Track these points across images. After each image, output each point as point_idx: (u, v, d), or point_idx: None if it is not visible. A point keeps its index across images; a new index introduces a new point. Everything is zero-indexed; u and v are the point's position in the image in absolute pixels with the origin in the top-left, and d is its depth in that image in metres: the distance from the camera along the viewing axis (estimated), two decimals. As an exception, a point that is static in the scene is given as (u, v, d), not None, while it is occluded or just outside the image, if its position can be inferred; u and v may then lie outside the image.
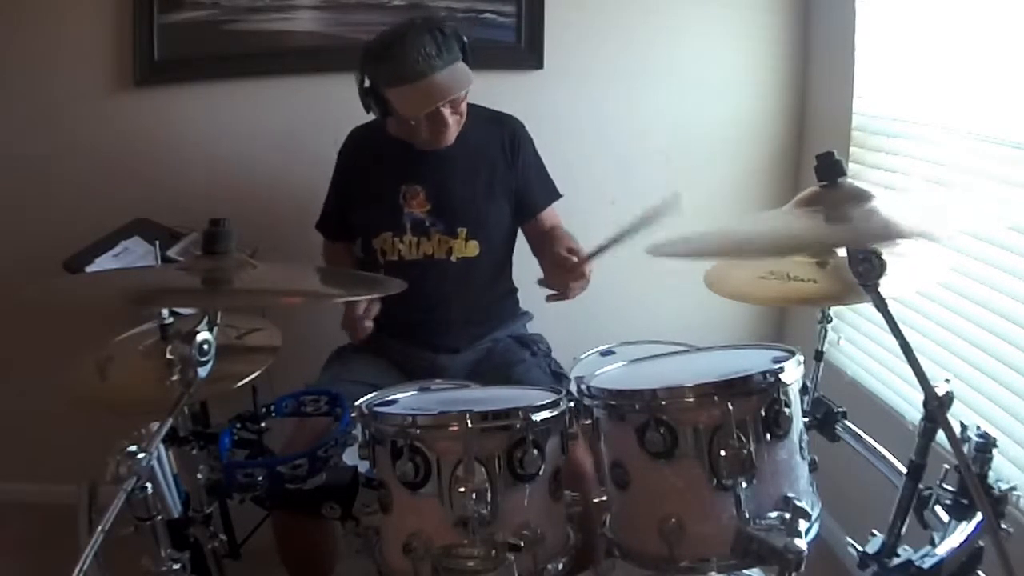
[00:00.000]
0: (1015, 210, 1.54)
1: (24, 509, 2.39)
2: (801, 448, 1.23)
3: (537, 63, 2.35)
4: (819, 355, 1.59)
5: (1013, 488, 1.19)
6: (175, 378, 1.11)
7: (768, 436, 1.18)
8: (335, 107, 2.06)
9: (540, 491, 1.21)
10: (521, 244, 2.02)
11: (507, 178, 1.92)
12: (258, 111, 2.38)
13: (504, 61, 2.32)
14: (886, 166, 2.05)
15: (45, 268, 1.98)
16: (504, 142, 1.92)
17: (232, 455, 1.41)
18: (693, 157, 2.44)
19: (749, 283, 1.52)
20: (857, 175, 2.07)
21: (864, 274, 1.08)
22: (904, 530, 1.25)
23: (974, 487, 1.09)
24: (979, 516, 1.19)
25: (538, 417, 1.20)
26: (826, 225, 1.14)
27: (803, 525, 1.11)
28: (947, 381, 1.15)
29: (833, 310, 1.62)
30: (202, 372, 1.10)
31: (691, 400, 1.17)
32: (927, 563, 1.17)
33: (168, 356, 1.11)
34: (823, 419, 1.53)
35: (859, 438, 1.50)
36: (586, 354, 1.73)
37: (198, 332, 1.10)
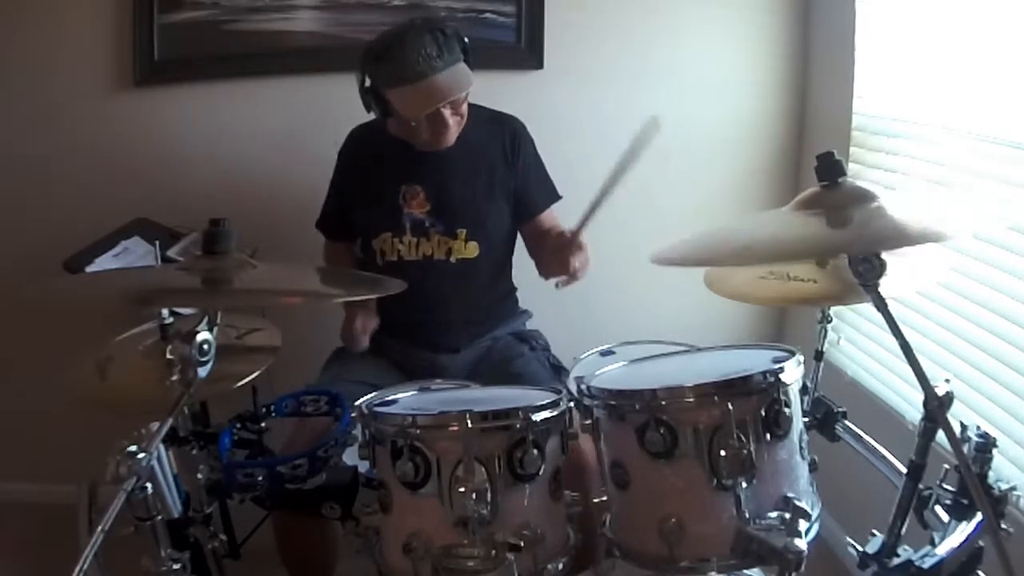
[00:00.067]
0: (1015, 210, 1.55)
1: (24, 509, 2.39)
2: (801, 448, 1.23)
3: (537, 63, 2.35)
4: (819, 355, 1.59)
5: (1013, 488, 1.18)
6: (175, 378, 1.11)
7: (768, 436, 1.18)
8: (335, 107, 2.06)
9: (540, 491, 1.21)
10: (521, 243, 2.02)
11: (507, 178, 1.92)
12: (258, 111, 2.37)
13: (504, 61, 2.32)
14: (886, 166, 2.05)
15: (45, 268, 1.98)
16: (505, 142, 1.92)
17: (232, 455, 1.41)
18: (693, 157, 2.44)
19: (749, 283, 1.52)
20: (857, 175, 2.07)
21: (864, 274, 1.08)
22: (904, 530, 1.25)
23: (974, 487, 1.09)
24: (979, 516, 1.19)
25: (538, 417, 1.20)
26: (828, 230, 1.14)
27: (803, 525, 1.11)
28: (947, 381, 1.15)
29: (833, 310, 1.62)
30: (202, 372, 1.10)
31: (691, 400, 1.17)
32: (927, 563, 1.17)
33: (168, 356, 1.11)
34: (823, 419, 1.53)
35: (859, 438, 1.50)
36: (586, 354, 1.73)
37: (198, 332, 1.10)
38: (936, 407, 1.10)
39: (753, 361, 1.25)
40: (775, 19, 2.39)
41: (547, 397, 1.26)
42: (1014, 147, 1.62)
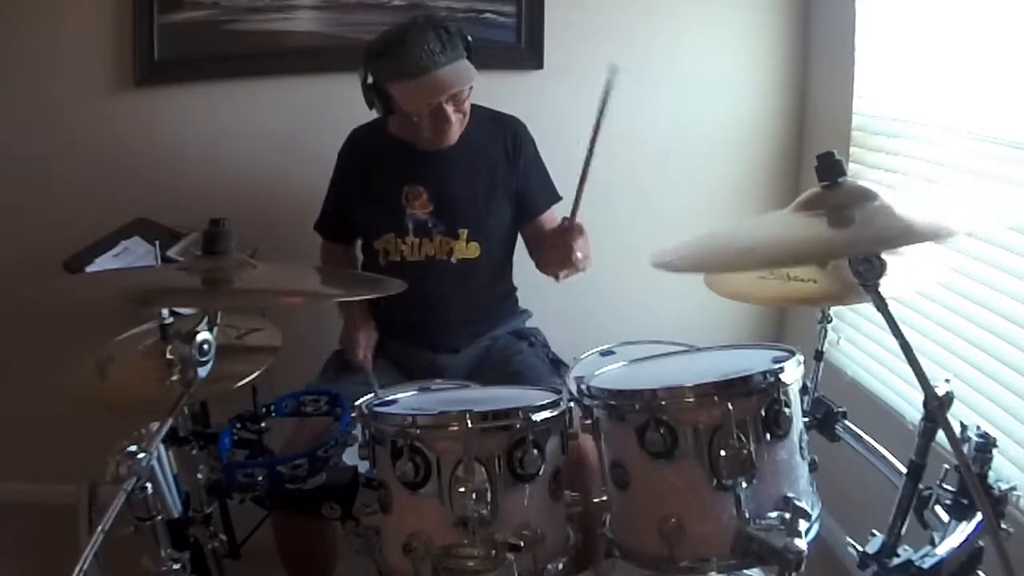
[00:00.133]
0: (1015, 210, 1.55)
1: (24, 509, 2.39)
2: (801, 448, 1.23)
3: (537, 63, 2.35)
4: (819, 355, 1.59)
5: (1013, 488, 1.18)
6: (175, 378, 1.11)
7: (768, 436, 1.18)
8: (335, 107, 2.06)
9: (540, 491, 1.21)
10: (520, 244, 2.02)
11: (508, 178, 1.92)
12: (258, 111, 2.37)
13: (504, 61, 2.31)
14: (886, 166, 2.05)
15: (45, 268, 1.98)
16: (506, 142, 1.92)
17: (232, 455, 1.41)
18: (693, 157, 2.44)
19: (749, 283, 1.52)
20: (857, 175, 2.07)
21: (864, 274, 1.08)
22: (904, 530, 1.25)
23: (974, 487, 1.09)
24: (979, 516, 1.19)
25: (538, 417, 1.20)
26: (830, 231, 1.14)
27: (803, 525, 1.11)
28: (947, 381, 1.15)
29: (833, 310, 1.62)
30: (202, 372, 1.10)
31: (691, 400, 1.17)
32: (927, 563, 1.17)
33: (168, 356, 1.11)
34: (823, 419, 1.53)
35: (859, 438, 1.50)
36: (586, 354, 1.72)
37: (198, 332, 1.10)
38: (936, 407, 1.10)
39: (753, 361, 1.25)
40: (775, 19, 2.39)
41: (547, 397, 1.26)
42: (1014, 147, 1.62)
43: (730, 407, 1.14)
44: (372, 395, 1.37)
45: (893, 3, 2.04)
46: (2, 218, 2.40)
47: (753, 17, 2.39)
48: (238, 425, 1.47)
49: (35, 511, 2.32)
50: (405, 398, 1.40)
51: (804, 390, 1.49)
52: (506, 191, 1.92)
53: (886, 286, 1.09)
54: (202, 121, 2.38)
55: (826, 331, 1.60)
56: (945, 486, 1.25)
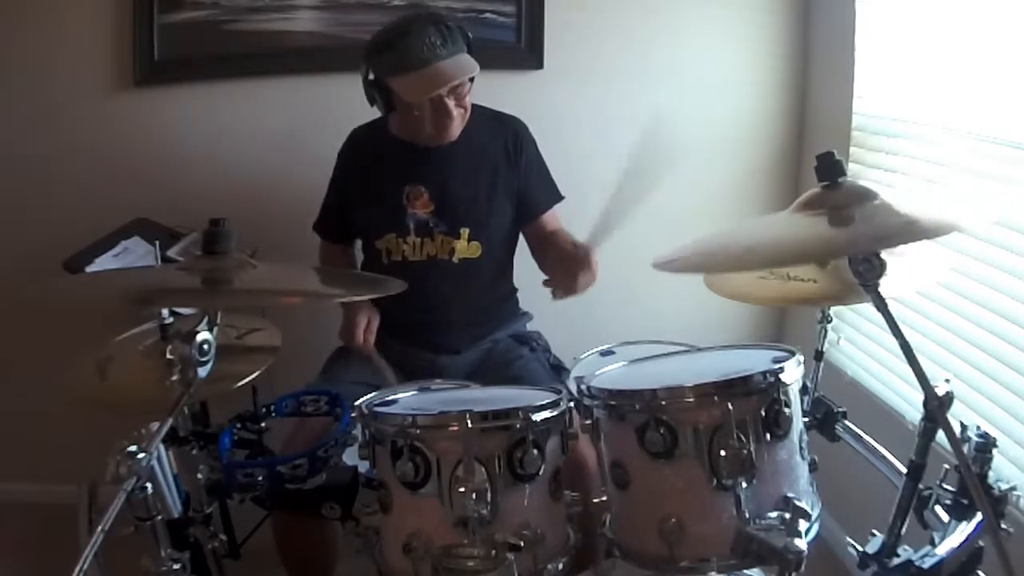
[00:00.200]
0: (1015, 210, 1.55)
1: (24, 509, 2.39)
2: (801, 448, 1.23)
3: (537, 63, 2.36)
4: (819, 355, 1.59)
5: (1013, 488, 1.18)
6: (175, 378, 1.11)
7: (768, 436, 1.18)
8: (335, 107, 2.06)
9: (540, 491, 1.21)
10: (522, 244, 2.02)
11: (509, 178, 1.92)
12: (258, 111, 2.37)
13: (504, 61, 2.31)
14: (886, 166, 2.05)
15: (45, 268, 1.98)
16: (507, 142, 1.92)
17: (232, 455, 1.41)
18: (693, 157, 2.44)
19: (749, 283, 1.52)
20: (857, 175, 2.07)
21: (864, 274, 1.08)
22: (904, 530, 1.25)
23: (974, 487, 1.09)
24: (979, 516, 1.19)
25: (538, 417, 1.20)
26: (831, 230, 1.14)
27: (803, 525, 1.11)
28: (947, 381, 1.15)
29: (833, 310, 1.62)
30: (202, 372, 1.10)
31: (691, 400, 1.17)
32: (927, 563, 1.17)
33: (168, 356, 1.11)
34: (823, 419, 1.53)
35: (859, 438, 1.50)
36: (586, 354, 1.73)
37: (198, 332, 1.10)
38: (936, 407, 1.10)
39: (753, 361, 1.25)
40: (775, 19, 2.39)
41: (547, 397, 1.26)
42: (1014, 147, 1.62)
43: (730, 407, 1.14)
44: (372, 395, 1.36)
45: (893, 3, 2.04)
46: (2, 218, 2.40)
47: (753, 17, 2.39)
48: (238, 425, 1.47)
49: (35, 511, 2.32)
50: (405, 398, 1.40)
51: (804, 390, 1.49)
52: (507, 191, 1.92)
53: (886, 286, 1.09)
54: (202, 121, 2.38)
55: (826, 331, 1.60)
56: (945, 486, 1.25)
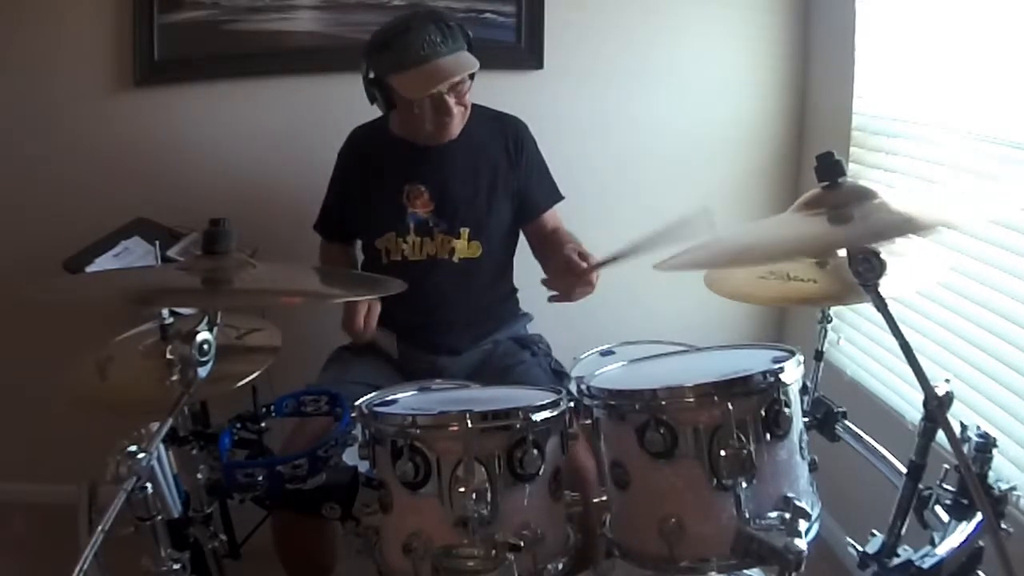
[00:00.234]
0: (1015, 210, 1.55)
1: (24, 509, 2.39)
2: (801, 448, 1.23)
3: (537, 63, 2.36)
4: (819, 355, 1.59)
5: (1013, 488, 1.19)
6: (175, 378, 1.11)
7: (768, 436, 1.18)
8: (335, 107, 2.06)
9: (540, 491, 1.21)
10: (522, 245, 2.02)
11: (510, 178, 1.92)
12: (258, 111, 2.38)
13: (504, 61, 2.31)
14: (886, 166, 2.06)
15: (45, 268, 1.98)
16: (507, 142, 1.92)
17: (232, 455, 1.41)
18: (693, 157, 2.44)
19: (749, 283, 1.52)
20: (857, 175, 2.06)
21: (864, 274, 1.08)
22: (904, 530, 1.25)
23: (974, 487, 1.09)
24: (979, 516, 1.19)
25: (538, 417, 1.20)
26: (830, 227, 1.14)
27: (803, 525, 1.11)
28: (947, 381, 1.15)
29: (833, 310, 1.62)
30: (202, 372, 1.10)
31: (691, 400, 1.17)
32: (927, 563, 1.17)
33: (168, 356, 1.11)
34: (823, 419, 1.53)
35: (859, 438, 1.50)
36: (586, 354, 1.73)
37: (198, 332, 1.09)
38: (936, 407, 1.10)
39: (753, 361, 1.26)
40: (775, 19, 2.39)
41: (547, 397, 1.26)
42: (1014, 147, 1.62)
43: (730, 407, 1.14)
44: (372, 395, 1.36)
45: (893, 3, 2.04)
46: (2, 218, 2.40)
47: (753, 17, 2.39)
48: (238, 425, 1.47)
49: (35, 511, 2.32)
50: (405, 398, 1.40)
51: (804, 390, 1.49)
52: (507, 191, 1.92)
53: (886, 286, 1.09)
54: (202, 121, 2.38)
55: (826, 331, 1.60)
56: (945, 486, 1.25)
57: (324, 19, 2.31)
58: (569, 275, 1.69)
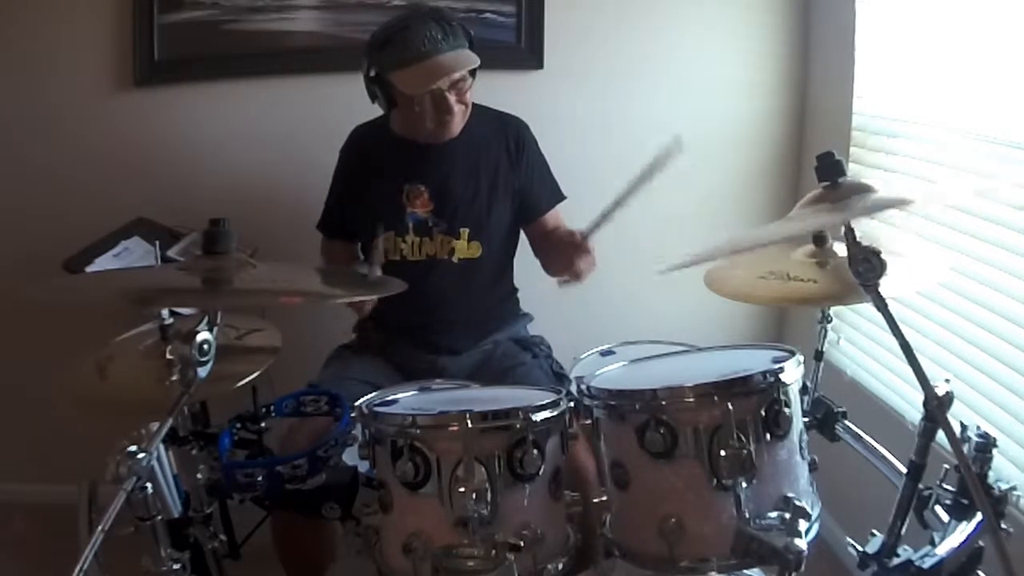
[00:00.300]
0: (1015, 209, 1.55)
1: (24, 509, 2.39)
2: (801, 448, 1.23)
3: (537, 63, 2.36)
4: (819, 355, 1.59)
5: (1013, 488, 1.19)
6: (175, 378, 1.11)
7: (768, 436, 1.18)
8: (335, 107, 2.06)
9: (540, 491, 1.21)
10: (522, 245, 2.02)
11: (510, 178, 1.92)
12: (258, 111, 2.37)
13: (504, 61, 2.31)
14: (886, 166, 2.05)
15: (45, 268, 1.98)
16: (508, 142, 1.92)
17: (232, 455, 1.41)
18: (693, 157, 2.40)
19: (749, 283, 1.52)
20: (857, 175, 2.06)
21: (864, 274, 1.08)
22: (904, 530, 1.25)
23: (974, 487, 1.09)
24: (979, 516, 1.19)
25: (538, 417, 1.20)
26: (829, 214, 1.14)
27: (803, 525, 1.11)
28: (947, 381, 1.15)
29: (833, 310, 1.62)
30: (202, 372, 1.10)
31: (691, 400, 1.17)
32: (927, 563, 1.17)
33: (168, 356, 1.11)
34: (823, 419, 1.53)
35: (859, 438, 1.50)
36: (586, 354, 1.73)
37: (198, 332, 1.09)
38: (936, 407, 1.10)
39: (753, 361, 1.26)
40: (775, 19, 2.39)
41: (547, 397, 1.26)
42: (1014, 147, 1.62)
43: (730, 407, 1.14)
44: (372, 395, 1.36)
45: (893, 3, 2.04)
46: (2, 218, 2.40)
47: (753, 17, 2.39)
48: (238, 425, 1.47)
49: (35, 511, 2.32)
50: (405, 398, 1.40)
51: (804, 390, 1.49)
52: (507, 191, 1.92)
53: (886, 286, 1.09)
54: (202, 121, 2.38)
55: (826, 331, 1.60)
56: (945, 486, 1.25)
57: (324, 19, 2.31)
58: (568, 249, 1.72)
